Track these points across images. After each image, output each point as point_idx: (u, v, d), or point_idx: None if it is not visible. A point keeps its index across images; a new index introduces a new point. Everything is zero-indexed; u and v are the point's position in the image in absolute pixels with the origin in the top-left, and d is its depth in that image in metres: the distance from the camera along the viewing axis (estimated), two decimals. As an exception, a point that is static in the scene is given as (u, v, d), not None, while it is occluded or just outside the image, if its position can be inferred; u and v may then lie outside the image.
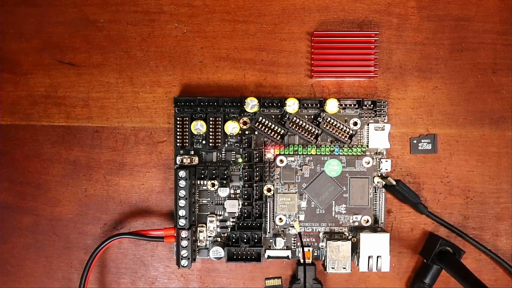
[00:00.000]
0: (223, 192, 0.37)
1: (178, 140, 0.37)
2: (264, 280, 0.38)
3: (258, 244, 0.37)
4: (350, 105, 0.37)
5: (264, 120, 0.37)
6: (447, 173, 0.38)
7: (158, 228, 0.37)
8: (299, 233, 0.37)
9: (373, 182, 0.38)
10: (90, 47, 0.38)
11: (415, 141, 0.37)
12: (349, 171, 0.38)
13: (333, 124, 0.37)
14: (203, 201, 0.38)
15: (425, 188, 0.38)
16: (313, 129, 0.37)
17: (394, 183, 0.36)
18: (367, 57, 0.37)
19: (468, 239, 0.38)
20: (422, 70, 0.38)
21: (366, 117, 0.38)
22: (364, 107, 0.37)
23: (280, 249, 0.38)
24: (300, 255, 0.38)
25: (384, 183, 0.37)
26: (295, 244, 0.38)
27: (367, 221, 0.38)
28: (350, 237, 0.38)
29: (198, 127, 0.37)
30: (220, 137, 0.37)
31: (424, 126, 0.38)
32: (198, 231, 0.37)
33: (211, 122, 0.37)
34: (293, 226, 0.38)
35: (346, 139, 0.37)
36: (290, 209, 0.38)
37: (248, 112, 0.37)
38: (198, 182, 0.38)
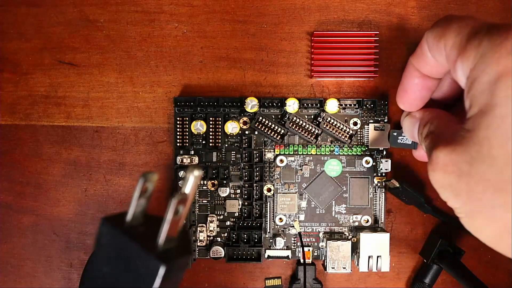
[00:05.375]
0: (223, 192, 0.37)
1: (178, 140, 0.37)
2: (264, 280, 0.38)
3: (258, 244, 0.37)
4: (350, 105, 0.37)
5: (264, 120, 0.37)
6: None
7: (158, 228, 0.37)
8: (299, 233, 0.37)
9: (373, 182, 0.38)
10: (90, 47, 0.38)
11: (395, 134, 0.36)
12: (349, 171, 0.38)
13: (333, 124, 0.37)
14: (203, 201, 0.38)
15: (425, 188, 0.38)
16: (313, 129, 0.37)
17: (397, 185, 0.36)
18: (367, 57, 0.37)
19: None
20: (422, 70, 0.38)
21: (366, 117, 0.38)
22: (364, 107, 0.37)
23: (280, 249, 0.38)
24: (300, 255, 0.38)
25: (389, 186, 0.37)
26: (295, 244, 0.38)
27: (367, 221, 0.38)
28: (350, 237, 0.38)
29: (198, 127, 0.37)
30: (220, 137, 0.37)
31: (424, 126, 0.38)
32: (198, 231, 0.37)
33: (211, 122, 0.37)
34: (293, 226, 0.38)
35: (346, 139, 0.37)
36: (290, 209, 0.38)
37: (248, 112, 0.37)
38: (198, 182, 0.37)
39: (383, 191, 0.38)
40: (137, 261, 0.20)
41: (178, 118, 0.37)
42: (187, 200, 0.21)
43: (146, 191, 0.22)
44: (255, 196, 0.37)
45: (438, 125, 0.27)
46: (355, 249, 0.37)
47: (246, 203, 0.37)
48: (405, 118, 0.33)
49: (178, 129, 0.37)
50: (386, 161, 0.38)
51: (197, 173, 0.21)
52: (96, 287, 0.21)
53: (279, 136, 0.37)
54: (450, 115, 0.28)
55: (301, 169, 0.38)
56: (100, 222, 0.21)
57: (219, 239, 0.38)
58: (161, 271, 0.20)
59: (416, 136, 0.31)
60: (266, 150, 0.38)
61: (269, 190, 0.37)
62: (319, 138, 0.37)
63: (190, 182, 0.21)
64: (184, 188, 0.21)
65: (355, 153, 0.38)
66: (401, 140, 0.35)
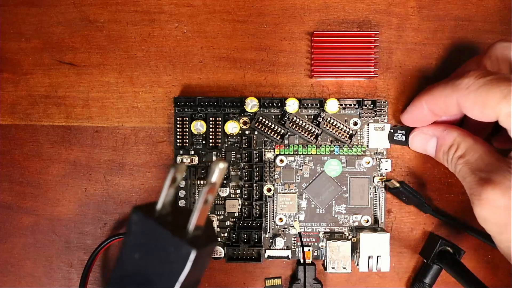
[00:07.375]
0: (223, 192, 0.37)
1: (178, 140, 0.37)
2: (264, 280, 0.38)
3: (258, 244, 0.37)
4: (350, 105, 0.37)
5: (264, 120, 0.37)
6: (448, 172, 0.38)
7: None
8: (299, 233, 0.37)
9: (373, 182, 0.38)
10: (90, 47, 0.38)
11: (391, 131, 0.37)
12: (349, 171, 0.38)
13: (333, 124, 0.37)
14: (203, 201, 0.38)
15: (425, 188, 0.38)
16: (313, 129, 0.37)
17: (397, 185, 0.36)
18: (367, 57, 0.37)
19: (475, 235, 0.37)
20: (422, 70, 0.38)
21: (366, 117, 0.38)
22: (364, 107, 0.37)
23: (280, 249, 0.38)
24: (300, 255, 0.38)
25: (389, 186, 0.37)
26: (295, 244, 0.38)
27: (367, 221, 0.38)
28: (350, 237, 0.38)
29: (198, 127, 0.37)
30: (220, 137, 0.37)
31: (424, 126, 0.38)
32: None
33: (211, 122, 0.37)
34: (293, 226, 0.38)
35: (346, 139, 0.37)
36: (290, 209, 0.38)
37: (248, 112, 0.37)
38: (198, 182, 0.38)
39: (383, 191, 0.38)
40: (168, 247, 0.21)
41: (178, 118, 0.37)
42: (215, 190, 0.22)
43: (175, 181, 0.23)
44: (255, 196, 0.37)
45: (474, 156, 0.27)
46: (355, 249, 0.37)
47: (246, 203, 0.37)
48: (415, 134, 0.34)
49: (178, 129, 0.37)
50: (386, 161, 0.38)
51: (222, 165, 0.22)
52: (128, 273, 0.22)
53: (279, 136, 0.37)
54: (483, 143, 0.28)
55: (301, 169, 0.38)
56: (131, 211, 0.22)
57: (219, 239, 0.38)
58: (192, 255, 0.21)
59: (430, 151, 0.32)
60: (266, 150, 0.38)
61: (269, 190, 0.37)
62: (319, 138, 0.37)
63: (216, 173, 0.22)
64: (211, 178, 0.22)
65: (355, 153, 0.38)
66: (397, 137, 0.37)
